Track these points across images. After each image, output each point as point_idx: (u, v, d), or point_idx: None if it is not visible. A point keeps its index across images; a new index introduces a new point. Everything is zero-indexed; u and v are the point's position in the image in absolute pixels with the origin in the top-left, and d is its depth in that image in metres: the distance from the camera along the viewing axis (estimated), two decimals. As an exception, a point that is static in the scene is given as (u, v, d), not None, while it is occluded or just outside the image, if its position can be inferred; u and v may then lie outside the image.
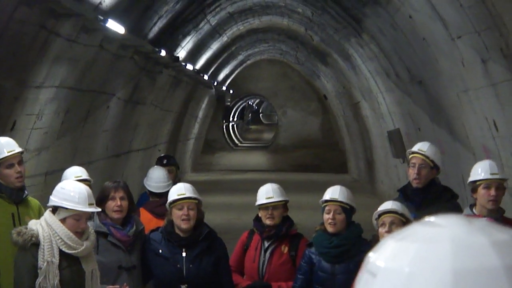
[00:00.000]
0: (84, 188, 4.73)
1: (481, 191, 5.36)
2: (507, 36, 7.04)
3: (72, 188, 4.69)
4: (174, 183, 7.36)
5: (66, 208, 4.61)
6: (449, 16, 8.47)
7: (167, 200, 6.71)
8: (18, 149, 5.60)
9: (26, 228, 4.64)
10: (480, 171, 5.41)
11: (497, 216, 5.29)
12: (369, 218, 5.13)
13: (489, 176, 5.35)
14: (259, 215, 5.81)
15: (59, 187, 4.73)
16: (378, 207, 5.13)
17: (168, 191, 6.75)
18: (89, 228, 4.80)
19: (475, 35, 7.83)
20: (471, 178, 5.45)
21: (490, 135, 8.42)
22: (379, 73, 14.94)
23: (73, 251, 4.62)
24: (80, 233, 4.66)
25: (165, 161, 7.79)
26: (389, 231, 4.84)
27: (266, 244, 5.80)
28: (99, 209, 5.00)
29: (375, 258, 1.13)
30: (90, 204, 4.67)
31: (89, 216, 4.87)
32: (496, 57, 7.51)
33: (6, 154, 5.50)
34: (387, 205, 5.02)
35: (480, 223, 1.09)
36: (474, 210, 5.41)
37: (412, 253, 1.06)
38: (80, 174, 6.26)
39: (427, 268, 1.03)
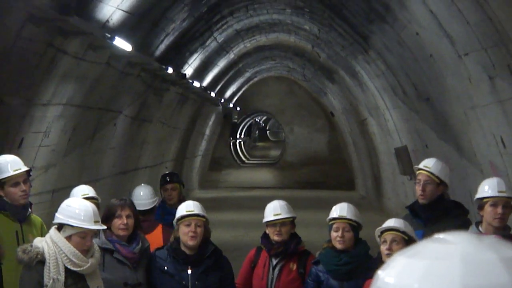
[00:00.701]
0: (89, 206, 4.73)
1: (487, 208, 5.34)
2: (514, 52, 7.03)
3: (77, 206, 4.69)
4: (179, 200, 7.33)
5: (72, 226, 4.61)
6: (456, 33, 8.47)
7: (151, 217, 6.77)
8: (24, 168, 5.61)
9: (31, 246, 4.63)
10: (487, 188, 5.40)
11: (505, 233, 5.26)
12: (377, 235, 5.12)
13: (496, 194, 5.33)
14: (267, 232, 5.80)
15: (64, 204, 4.73)
16: (385, 224, 5.11)
17: (152, 208, 6.80)
18: (94, 246, 4.79)
19: (482, 52, 7.83)
20: (478, 195, 5.43)
21: (497, 152, 8.39)
22: (386, 90, 14.94)
23: (79, 269, 4.61)
24: (86, 251, 4.66)
25: (168, 179, 7.78)
26: (390, 248, 4.83)
27: (274, 261, 5.77)
28: (105, 227, 5.00)
29: (385, 275, 1.12)
30: (96, 222, 4.67)
31: (95, 233, 4.86)
32: (503, 74, 7.51)
33: (12, 173, 5.51)
34: (390, 222, 5.00)
35: (489, 240, 1.09)
36: (480, 228, 5.39)
37: (422, 270, 1.05)
38: (88, 192, 6.26)
39: (436, 285, 1.02)
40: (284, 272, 5.74)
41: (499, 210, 5.29)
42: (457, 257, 1.04)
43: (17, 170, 5.55)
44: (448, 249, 1.07)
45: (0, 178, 5.50)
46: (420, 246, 1.12)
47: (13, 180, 5.51)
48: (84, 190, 6.35)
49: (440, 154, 10.76)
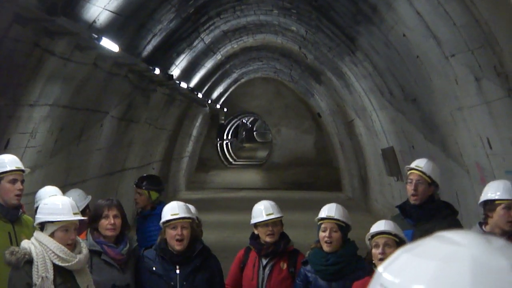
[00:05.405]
0: (66, 199, 4.81)
1: (500, 211, 5.22)
2: (500, 54, 7.07)
3: (55, 202, 4.75)
4: (151, 208, 7.28)
5: (52, 222, 4.63)
6: (443, 35, 8.50)
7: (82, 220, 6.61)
8: (23, 167, 5.65)
9: (19, 247, 4.64)
10: (500, 191, 5.26)
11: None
12: (364, 236, 5.11)
13: (509, 197, 5.22)
14: (256, 232, 5.78)
15: (42, 204, 4.81)
16: (372, 225, 5.09)
17: (82, 211, 6.51)
18: (80, 242, 4.80)
19: (468, 53, 7.86)
20: (488, 197, 5.30)
21: (483, 153, 8.42)
22: (373, 91, 14.97)
23: (67, 264, 4.61)
24: (72, 246, 4.66)
25: (135, 182, 7.60)
26: (383, 253, 4.80)
27: (264, 261, 5.76)
28: (85, 218, 5.02)
29: (389, 272, 1.08)
30: (75, 214, 4.69)
31: (77, 226, 4.82)
32: (489, 75, 7.54)
33: (14, 168, 5.53)
34: (380, 225, 4.94)
35: (499, 244, 1.06)
36: (484, 228, 5.31)
37: (431, 273, 1.02)
38: (55, 193, 6.14)
39: None
40: (275, 272, 5.73)
41: None
42: (467, 261, 1.01)
43: (18, 167, 5.58)
44: (457, 251, 1.04)
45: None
46: (428, 244, 1.09)
47: (12, 176, 5.52)
48: (51, 191, 6.18)
49: (426, 155, 10.79)
